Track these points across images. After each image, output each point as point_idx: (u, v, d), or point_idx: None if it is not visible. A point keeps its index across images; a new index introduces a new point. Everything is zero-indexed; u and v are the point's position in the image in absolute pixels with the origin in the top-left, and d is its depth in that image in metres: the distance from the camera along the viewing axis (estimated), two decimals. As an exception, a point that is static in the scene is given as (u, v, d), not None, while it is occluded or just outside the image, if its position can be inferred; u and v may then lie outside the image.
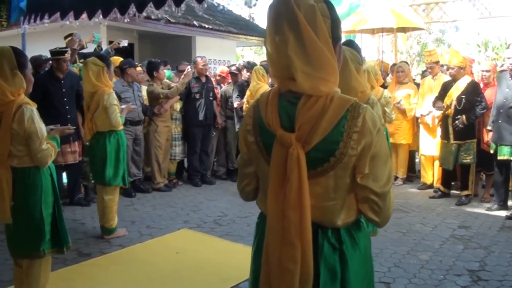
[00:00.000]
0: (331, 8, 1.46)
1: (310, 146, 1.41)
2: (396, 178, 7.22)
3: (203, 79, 7.20)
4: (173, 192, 6.85)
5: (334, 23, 1.46)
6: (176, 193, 6.81)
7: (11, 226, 2.96)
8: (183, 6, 4.10)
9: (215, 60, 11.96)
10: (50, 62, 5.84)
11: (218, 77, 8.00)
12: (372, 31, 9.09)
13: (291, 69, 1.40)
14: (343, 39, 1.99)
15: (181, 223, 5.34)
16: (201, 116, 7.08)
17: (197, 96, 7.07)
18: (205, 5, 4.14)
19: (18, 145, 2.88)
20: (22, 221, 2.92)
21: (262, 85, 6.41)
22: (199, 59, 7.26)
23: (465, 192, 6.14)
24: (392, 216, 4.64)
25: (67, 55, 5.61)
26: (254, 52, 27.21)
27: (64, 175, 6.11)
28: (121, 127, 4.79)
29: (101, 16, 4.87)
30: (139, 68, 6.72)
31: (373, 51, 11.62)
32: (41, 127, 2.92)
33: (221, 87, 7.96)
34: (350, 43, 3.33)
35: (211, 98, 7.27)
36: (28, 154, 2.92)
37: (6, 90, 2.80)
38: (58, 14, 5.26)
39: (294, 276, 1.43)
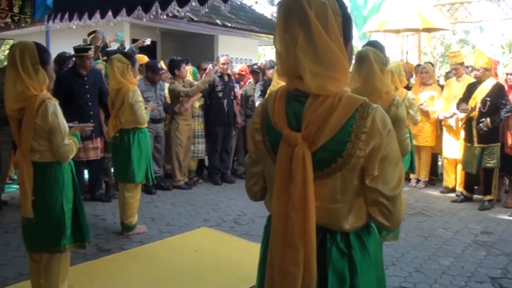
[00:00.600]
0: (342, 5, 1.42)
1: (316, 146, 1.38)
2: (418, 180, 7.14)
3: (226, 78, 7.21)
4: (193, 190, 6.87)
5: (346, 21, 1.42)
6: (196, 191, 6.83)
7: (30, 221, 2.95)
8: (207, 4, 4.10)
9: (236, 58, 11.94)
10: (74, 59, 5.90)
11: (237, 76, 7.98)
12: (397, 31, 8.97)
13: (299, 68, 1.37)
14: (369, 38, 1.96)
15: (201, 221, 5.35)
16: (223, 114, 7.09)
17: (220, 94, 7.09)
18: (228, 5, 4.13)
19: (41, 140, 2.89)
20: (43, 216, 2.93)
21: (282, 83, 6.37)
22: (222, 58, 7.27)
23: (488, 197, 6.03)
24: (414, 219, 4.62)
25: (91, 52, 5.67)
26: (276, 51, 27.11)
27: (86, 171, 6.17)
28: (146, 124, 4.82)
29: (125, 15, 4.90)
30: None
31: (397, 51, 11.51)
32: (64, 123, 2.93)
33: (240, 86, 7.95)
34: (375, 43, 3.29)
35: (232, 97, 7.30)
36: (50, 149, 2.93)
37: (29, 84, 2.81)
38: (84, 14, 5.32)
39: (296, 279, 1.39)
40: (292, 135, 1.39)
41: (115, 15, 5.08)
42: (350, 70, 2.90)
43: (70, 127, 3.13)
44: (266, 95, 6.58)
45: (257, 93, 7.16)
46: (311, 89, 1.37)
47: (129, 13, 4.86)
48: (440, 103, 6.75)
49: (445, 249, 4.57)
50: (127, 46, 8.89)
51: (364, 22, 9.68)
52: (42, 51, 2.89)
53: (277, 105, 1.46)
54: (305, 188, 1.37)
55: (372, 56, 3.01)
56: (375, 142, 1.37)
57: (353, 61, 3.27)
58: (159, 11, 4.65)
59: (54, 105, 2.89)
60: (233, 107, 7.35)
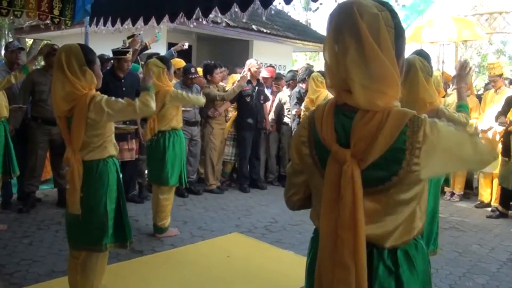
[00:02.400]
0: (395, 17, 1.38)
1: (366, 163, 1.34)
2: (452, 194, 7.01)
3: (254, 82, 7.15)
4: (225, 194, 6.90)
5: (398, 33, 1.37)
6: (228, 196, 6.85)
7: (73, 218, 2.98)
8: (248, 11, 4.13)
9: (271, 64, 11.97)
10: (112, 61, 6.00)
11: (263, 80, 7.95)
12: (431, 41, 8.84)
13: (348, 81, 1.34)
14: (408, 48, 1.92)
15: (233, 227, 5.36)
16: (252, 119, 7.07)
17: (248, 99, 7.04)
18: (272, 11, 4.17)
19: (94, 136, 2.92)
20: (87, 214, 2.96)
21: (322, 91, 6.34)
22: (253, 62, 7.23)
23: (525, 213, 5.89)
24: (448, 234, 4.52)
25: (129, 55, 5.75)
26: (309, 58, 27.09)
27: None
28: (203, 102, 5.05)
29: (168, 21, 4.98)
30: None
31: (433, 61, 11.33)
32: (118, 99, 2.95)
33: (272, 91, 7.93)
34: (421, 52, 3.25)
35: (262, 102, 7.23)
36: (102, 144, 2.97)
37: (78, 85, 2.84)
38: (127, 19, 5.43)
39: None
40: (341, 152, 1.37)
41: (158, 21, 5.17)
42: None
43: (116, 128, 3.19)
44: (304, 104, 6.58)
45: (293, 101, 7.12)
46: (360, 103, 1.34)
47: (172, 20, 4.94)
48: (477, 115, 6.61)
49: (480, 266, 4.46)
50: (163, 50, 9.02)
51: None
52: (87, 52, 2.94)
53: (325, 120, 1.43)
54: (355, 206, 1.35)
55: (418, 65, 2.97)
56: (431, 157, 1.34)
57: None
58: (201, 17, 4.71)
59: (103, 95, 2.93)
60: (263, 112, 7.30)
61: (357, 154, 1.35)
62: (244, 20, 5.03)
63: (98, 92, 2.99)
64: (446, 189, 6.98)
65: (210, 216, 5.74)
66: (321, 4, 3.56)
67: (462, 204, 6.83)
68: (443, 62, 9.60)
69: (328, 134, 1.41)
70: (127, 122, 4.92)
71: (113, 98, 2.95)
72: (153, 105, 3.09)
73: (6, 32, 17.08)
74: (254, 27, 11.28)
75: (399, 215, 1.41)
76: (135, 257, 4.28)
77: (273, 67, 8.79)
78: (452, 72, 9.05)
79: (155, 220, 4.85)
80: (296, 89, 7.27)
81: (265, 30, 11.60)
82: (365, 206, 1.38)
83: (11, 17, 5.50)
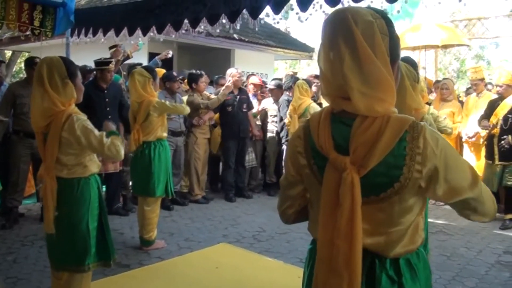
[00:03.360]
0: (389, 24, 1.38)
1: (366, 170, 1.33)
2: (438, 198, 7.04)
3: (236, 91, 7.11)
4: (211, 204, 6.84)
5: (393, 40, 1.37)
6: (213, 205, 6.80)
7: (54, 238, 2.90)
8: (237, 22, 4.16)
9: (252, 73, 11.98)
10: (94, 72, 5.93)
11: (254, 88, 7.97)
12: (413, 48, 8.93)
13: (346, 88, 1.33)
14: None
15: (220, 237, 5.31)
16: (234, 129, 7.03)
17: (229, 109, 7.02)
18: (263, 22, 4.18)
19: (69, 154, 2.85)
20: (68, 234, 2.88)
21: (305, 99, 6.34)
22: (234, 71, 7.21)
23: (509, 216, 5.92)
24: (435, 238, 4.53)
25: (111, 66, 5.69)
26: (289, 66, 27.19)
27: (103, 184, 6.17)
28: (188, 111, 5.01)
29: (155, 32, 4.98)
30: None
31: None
32: (94, 129, 2.88)
33: (258, 100, 7.91)
34: (407, 59, 3.24)
35: (244, 110, 7.19)
36: (79, 163, 2.90)
37: (56, 100, 2.77)
38: (111, 30, 5.40)
39: None
40: (340, 159, 1.35)
41: (144, 33, 5.15)
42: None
43: None
44: (287, 111, 6.55)
45: (284, 109, 7.03)
46: (360, 110, 1.33)
47: (159, 31, 4.92)
48: (460, 119, 6.68)
49: (468, 269, 4.48)
50: (144, 60, 8.96)
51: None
52: (69, 64, 2.87)
53: (321, 128, 1.42)
54: (352, 214, 1.33)
55: (405, 71, 2.96)
56: (431, 163, 1.33)
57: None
58: (189, 28, 4.72)
59: (81, 118, 2.85)
60: (246, 121, 7.26)
61: (357, 161, 1.33)
62: (231, 31, 5.01)
63: (77, 110, 2.91)
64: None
65: (197, 227, 5.68)
66: (310, 14, 3.57)
67: (447, 208, 6.85)
68: (424, 68, 9.71)
69: (326, 142, 1.39)
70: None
71: (89, 126, 2.85)
72: (122, 153, 2.98)
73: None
74: (235, 35, 11.27)
75: (402, 225, 1.40)
76: (122, 272, 4.20)
77: (255, 75, 8.80)
78: (432, 78, 9.20)
79: (141, 232, 4.78)
80: (284, 97, 7.21)
81: (246, 39, 11.61)
82: (370, 215, 1.37)
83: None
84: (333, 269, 1.36)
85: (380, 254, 1.41)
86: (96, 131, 2.87)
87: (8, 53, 17.23)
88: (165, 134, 4.85)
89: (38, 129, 2.88)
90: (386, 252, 1.41)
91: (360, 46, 1.31)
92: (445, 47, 8.74)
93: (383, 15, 1.39)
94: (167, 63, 9.84)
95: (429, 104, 6.28)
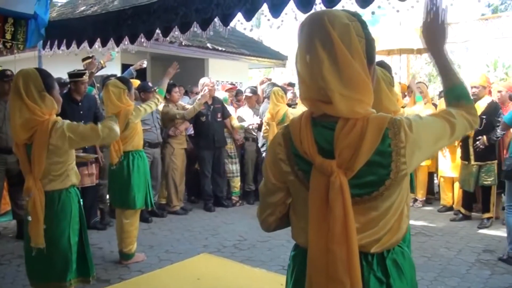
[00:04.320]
0: (365, 27, 1.39)
1: (353, 172, 1.33)
2: (415, 200, 7.12)
3: (210, 101, 7.06)
4: (190, 215, 6.78)
5: (369, 42, 1.39)
6: (192, 216, 6.73)
7: (35, 254, 2.82)
8: (209, 30, 4.15)
9: (227, 81, 11.96)
10: (69, 85, 5.83)
11: (229, 94, 7.98)
12: (389, 52, 9.03)
13: (327, 91, 1.33)
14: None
15: (201, 247, 5.25)
16: (209, 139, 6.99)
17: (203, 119, 6.97)
18: (230, 28, 4.19)
19: (56, 163, 2.81)
20: (50, 248, 2.81)
21: (282, 106, 6.34)
22: (207, 81, 7.16)
23: (487, 215, 6.02)
24: (415, 240, 4.58)
25: (85, 77, 5.61)
26: (263, 74, 27.27)
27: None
28: (142, 143, 4.85)
29: (127, 43, 4.94)
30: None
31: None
32: (80, 124, 2.88)
33: (234, 108, 7.89)
34: (382, 63, 3.27)
35: (219, 119, 7.14)
36: (65, 172, 2.85)
37: (37, 111, 2.74)
38: (84, 41, 5.35)
39: None
40: (326, 163, 1.34)
41: (117, 43, 5.09)
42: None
43: (76, 156, 3.07)
44: (265, 119, 6.52)
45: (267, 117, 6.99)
46: (342, 112, 1.33)
47: (132, 41, 4.88)
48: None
49: (449, 269, 4.52)
50: (117, 71, 8.86)
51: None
52: (46, 77, 2.83)
53: (303, 133, 1.40)
54: (345, 218, 1.32)
55: (380, 75, 2.98)
56: (414, 149, 1.36)
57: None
58: (160, 37, 4.69)
59: (64, 120, 2.83)
60: (222, 130, 7.23)
61: (343, 164, 1.33)
62: (199, 39, 5.01)
63: (60, 118, 2.88)
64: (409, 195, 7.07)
65: (177, 238, 5.60)
66: (282, 21, 3.57)
67: (425, 210, 6.94)
68: (395, 73, 9.81)
69: (309, 147, 1.39)
70: (83, 149, 4.70)
71: (75, 123, 2.85)
72: (117, 129, 3.00)
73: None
74: (209, 45, 11.26)
75: (391, 216, 1.42)
76: (102, 287, 4.10)
77: (233, 84, 8.79)
78: (406, 82, 9.28)
79: (120, 246, 4.69)
80: (266, 105, 7.17)
81: (220, 48, 11.60)
82: (361, 214, 1.38)
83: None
84: (332, 276, 1.34)
85: (363, 250, 1.40)
86: (82, 124, 2.88)
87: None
88: (141, 142, 4.78)
89: (20, 141, 2.82)
90: (369, 248, 1.41)
91: (338, 48, 1.32)
92: (419, 51, 8.84)
93: (358, 17, 1.40)
94: (140, 74, 9.75)
95: (403, 107, 6.36)
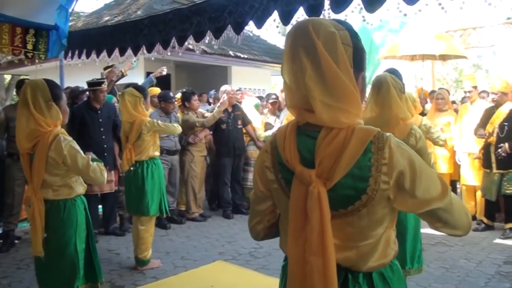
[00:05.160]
0: (354, 36, 1.36)
1: (332, 182, 1.29)
2: (437, 209, 6.97)
3: (230, 109, 7.11)
4: (208, 222, 6.80)
5: (357, 52, 1.36)
6: (211, 223, 6.75)
7: (42, 261, 2.89)
8: (221, 38, 4.20)
9: (250, 89, 12.00)
10: (88, 93, 5.94)
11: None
12: (412, 58, 8.92)
13: (309, 99, 1.31)
14: (385, 66, 1.89)
15: (216, 255, 5.26)
16: (229, 146, 7.02)
17: (223, 126, 7.01)
18: (242, 36, 4.23)
19: (54, 175, 2.85)
20: (56, 257, 2.87)
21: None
22: (228, 88, 7.20)
23: (510, 225, 5.84)
24: (435, 250, 4.45)
25: (104, 86, 5.70)
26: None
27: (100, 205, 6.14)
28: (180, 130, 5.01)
29: (145, 52, 5.03)
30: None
31: (411, 78, 11.44)
32: (81, 152, 2.90)
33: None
34: (393, 71, 3.25)
35: (239, 126, 7.18)
36: (65, 184, 2.90)
37: (42, 122, 2.79)
38: (103, 51, 5.47)
39: None
40: (306, 172, 1.32)
41: (135, 52, 5.20)
42: (366, 99, 2.84)
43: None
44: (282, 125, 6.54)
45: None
46: (324, 121, 1.30)
47: (149, 50, 4.98)
48: (456, 129, 6.64)
49: (468, 281, 4.41)
50: (141, 80, 8.98)
51: (371, 48, 9.69)
52: (53, 87, 2.89)
53: (287, 141, 1.39)
54: (322, 229, 1.29)
55: (390, 82, 2.96)
56: (398, 173, 1.29)
57: (370, 88, 3.24)
58: (177, 46, 4.77)
59: (68, 138, 2.88)
60: (241, 138, 7.25)
61: (322, 174, 1.30)
62: (216, 47, 5.07)
63: (64, 131, 2.93)
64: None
65: (193, 245, 5.63)
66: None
67: (447, 219, 6.78)
68: (421, 79, 9.69)
69: (292, 156, 1.37)
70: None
71: (77, 148, 2.88)
72: (103, 177, 2.99)
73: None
74: (231, 52, 11.32)
75: (374, 238, 1.37)
76: (116, 293, 4.16)
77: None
78: (429, 88, 9.17)
79: (136, 252, 4.74)
80: (286, 112, 7.16)
81: (242, 55, 11.64)
82: (339, 230, 1.34)
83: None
84: (309, 287, 1.32)
85: (352, 269, 1.39)
86: (82, 154, 2.88)
87: (8, 77, 17.35)
88: (157, 153, 4.83)
89: (23, 151, 2.88)
90: (358, 267, 1.38)
91: (322, 56, 1.29)
92: (442, 58, 8.69)
93: (348, 27, 1.38)
94: (164, 83, 9.88)
95: (424, 115, 6.28)
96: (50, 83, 2.91)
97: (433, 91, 7.69)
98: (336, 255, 1.32)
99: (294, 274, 1.37)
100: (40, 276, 2.98)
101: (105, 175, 3.00)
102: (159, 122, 4.79)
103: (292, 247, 1.37)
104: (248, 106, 7.61)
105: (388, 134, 1.33)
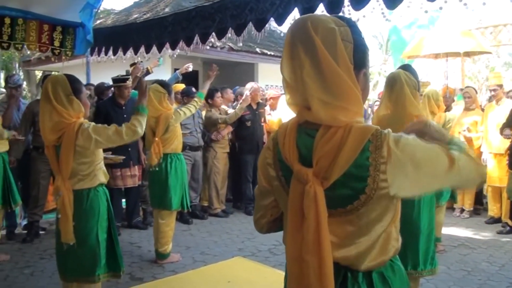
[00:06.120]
0: (355, 32, 1.34)
1: (329, 182, 1.28)
2: (462, 210, 6.85)
3: (254, 106, 7.15)
4: (230, 218, 6.84)
5: (358, 48, 1.33)
6: (232, 219, 6.79)
7: (64, 249, 2.95)
8: (243, 35, 4.24)
9: (276, 86, 11.99)
10: (112, 89, 6.04)
11: (270, 101, 7.92)
12: (436, 56, 8.77)
13: (307, 96, 1.29)
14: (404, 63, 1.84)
15: (236, 251, 5.30)
16: (253, 143, 7.05)
17: (248, 124, 7.04)
18: (265, 34, 4.27)
19: (82, 163, 2.92)
20: (79, 245, 2.93)
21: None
22: (254, 85, 7.23)
23: (535, 228, 5.73)
24: (457, 252, 4.36)
25: (129, 82, 5.79)
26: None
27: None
28: (180, 147, 4.94)
29: (169, 49, 5.10)
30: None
31: (440, 76, 11.26)
32: (106, 126, 2.99)
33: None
34: (407, 67, 3.20)
35: (262, 124, 7.23)
36: (91, 172, 2.97)
37: (65, 114, 2.87)
38: (129, 48, 5.57)
39: None
40: (303, 171, 1.31)
41: (160, 49, 5.27)
42: (379, 97, 2.81)
43: (104, 158, 3.19)
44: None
45: None
46: (321, 118, 1.29)
47: (173, 47, 5.04)
48: (482, 129, 6.50)
49: (489, 285, 4.31)
50: (168, 76, 9.08)
51: (404, 47, 9.56)
52: (73, 82, 2.96)
53: (287, 139, 1.38)
54: (318, 228, 1.28)
55: (404, 79, 2.92)
56: (398, 171, 1.27)
57: (384, 85, 3.20)
58: (200, 43, 4.83)
59: (90, 123, 2.95)
60: (263, 135, 7.27)
61: (320, 173, 1.29)
62: (240, 44, 5.10)
63: (86, 120, 3.01)
64: (455, 205, 6.83)
65: (214, 241, 5.68)
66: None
67: (472, 221, 6.67)
68: (447, 77, 9.51)
69: (290, 153, 1.36)
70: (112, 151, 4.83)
71: (100, 125, 2.97)
72: (140, 130, 3.09)
73: (17, 65, 17.38)
74: (257, 49, 11.33)
75: (372, 235, 1.36)
76: (135, 285, 4.23)
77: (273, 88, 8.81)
78: (457, 86, 8.98)
79: (156, 246, 4.81)
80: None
81: (268, 52, 11.64)
82: (338, 228, 1.34)
83: (11, 50, 5.59)
84: (305, 286, 1.31)
85: (351, 267, 1.37)
86: (106, 126, 2.99)
87: (40, 74, 17.76)
88: (180, 146, 4.89)
89: (49, 143, 2.95)
90: (357, 265, 1.37)
91: (320, 53, 1.27)
92: (467, 54, 8.52)
93: (350, 23, 1.36)
94: (192, 79, 9.96)
95: (449, 111, 6.18)
96: (70, 77, 2.98)
97: (460, 90, 7.54)
98: (335, 253, 1.32)
99: (292, 272, 1.37)
100: (62, 265, 3.06)
101: (140, 127, 3.09)
102: (182, 108, 4.84)
103: (290, 246, 1.37)
104: (284, 104, 7.60)
105: (386, 131, 1.30)
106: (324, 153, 1.28)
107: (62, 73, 3.01)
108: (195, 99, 5.09)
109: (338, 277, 1.35)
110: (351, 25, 1.35)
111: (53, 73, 14.11)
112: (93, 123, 2.96)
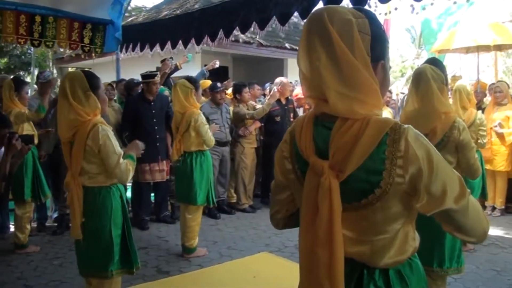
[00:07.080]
0: (374, 24, 1.32)
1: (344, 174, 1.26)
2: (493, 208, 6.69)
3: (284, 101, 7.14)
4: (257, 213, 6.85)
5: (376, 40, 1.31)
6: (260, 214, 6.79)
7: (81, 244, 3.01)
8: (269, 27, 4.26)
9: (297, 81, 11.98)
10: (142, 85, 6.12)
11: (295, 100, 7.90)
12: (466, 50, 8.57)
13: (323, 88, 1.28)
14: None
15: (262, 246, 5.31)
16: (282, 138, 6.98)
17: (278, 119, 7.03)
18: (294, 28, 4.26)
19: (91, 162, 2.94)
20: (91, 241, 2.98)
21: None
22: (284, 80, 7.22)
23: None
24: (486, 251, 4.26)
25: (157, 78, 5.86)
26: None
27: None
28: (212, 144, 4.93)
29: (194, 44, 5.15)
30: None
31: (473, 70, 11.01)
32: (116, 144, 2.98)
33: (304, 110, 7.86)
34: (434, 61, 3.12)
35: (292, 120, 7.19)
36: (101, 172, 2.98)
37: (81, 111, 2.89)
38: (156, 44, 5.63)
39: None
40: (319, 163, 1.30)
41: (185, 45, 5.32)
42: (403, 91, 2.75)
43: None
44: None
45: None
46: (338, 111, 1.27)
47: (198, 42, 5.08)
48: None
49: (519, 285, 4.22)
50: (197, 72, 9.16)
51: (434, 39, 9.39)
52: (90, 78, 2.98)
53: (304, 131, 1.37)
54: (331, 221, 1.27)
55: (430, 74, 2.85)
56: (414, 167, 1.24)
57: (410, 81, 3.14)
58: (224, 38, 4.85)
59: (106, 129, 2.96)
60: None
61: (335, 165, 1.27)
62: (277, 39, 5.10)
63: (103, 121, 3.02)
64: (486, 203, 6.67)
65: (241, 236, 5.70)
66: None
67: (504, 219, 6.50)
68: (480, 71, 9.29)
69: (307, 146, 1.35)
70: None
71: (112, 140, 2.95)
72: (127, 177, 3.03)
73: (50, 63, 17.79)
74: (287, 45, 11.30)
75: (389, 233, 1.33)
76: (161, 278, 4.29)
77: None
78: (489, 81, 8.74)
79: (183, 240, 4.87)
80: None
81: (298, 48, 11.60)
82: (353, 223, 1.32)
83: (43, 47, 5.72)
84: (314, 279, 1.31)
85: (368, 264, 1.35)
86: (118, 148, 2.97)
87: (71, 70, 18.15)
88: (205, 146, 4.90)
89: (64, 139, 2.99)
90: (373, 262, 1.35)
91: (336, 45, 1.25)
92: (498, 48, 8.30)
93: (369, 15, 1.34)
94: (222, 75, 10.01)
95: (482, 109, 6.03)
96: (87, 73, 3.01)
97: (492, 84, 7.34)
98: (349, 248, 1.31)
99: (303, 266, 1.36)
100: (79, 259, 3.12)
101: (129, 176, 3.04)
102: (205, 126, 4.78)
103: (303, 238, 1.36)
104: None
105: (406, 126, 1.28)
106: (341, 146, 1.27)
107: (79, 70, 3.04)
108: (212, 140, 4.91)
109: (354, 274, 1.35)
110: (370, 17, 1.33)
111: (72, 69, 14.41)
112: (108, 131, 2.96)
